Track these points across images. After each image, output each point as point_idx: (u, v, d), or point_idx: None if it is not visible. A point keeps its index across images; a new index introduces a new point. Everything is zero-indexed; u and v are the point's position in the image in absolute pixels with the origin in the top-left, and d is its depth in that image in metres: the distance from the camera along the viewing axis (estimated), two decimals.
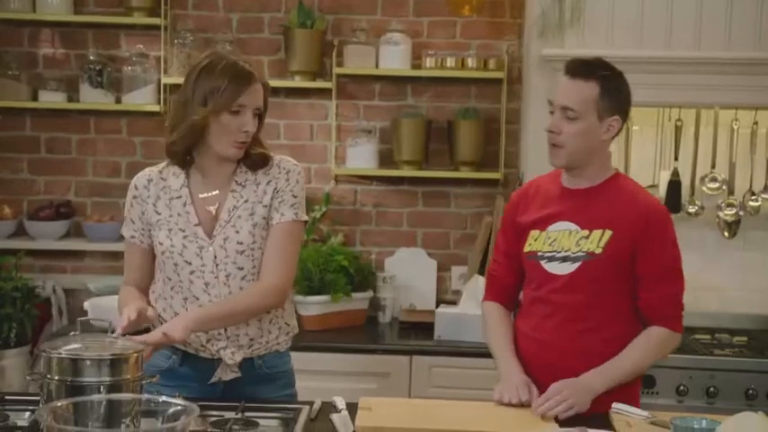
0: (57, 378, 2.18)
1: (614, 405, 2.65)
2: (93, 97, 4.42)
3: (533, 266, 2.80)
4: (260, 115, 2.70)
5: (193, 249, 2.67)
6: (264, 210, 2.70)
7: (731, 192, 4.21)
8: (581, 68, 2.70)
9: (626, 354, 2.71)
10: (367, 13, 4.50)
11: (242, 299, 2.67)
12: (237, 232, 2.67)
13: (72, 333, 2.36)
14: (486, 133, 4.41)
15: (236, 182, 2.71)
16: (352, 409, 2.56)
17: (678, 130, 4.18)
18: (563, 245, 2.74)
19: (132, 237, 2.77)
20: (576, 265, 2.71)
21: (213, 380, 2.72)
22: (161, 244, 2.70)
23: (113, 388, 2.19)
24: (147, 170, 2.80)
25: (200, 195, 2.72)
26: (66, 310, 4.48)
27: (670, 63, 3.88)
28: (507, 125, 4.42)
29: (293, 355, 4.02)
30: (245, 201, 2.70)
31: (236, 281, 2.68)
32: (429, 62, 4.38)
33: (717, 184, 4.19)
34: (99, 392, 2.16)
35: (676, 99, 3.99)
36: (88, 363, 2.19)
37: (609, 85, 2.71)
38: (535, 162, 4.06)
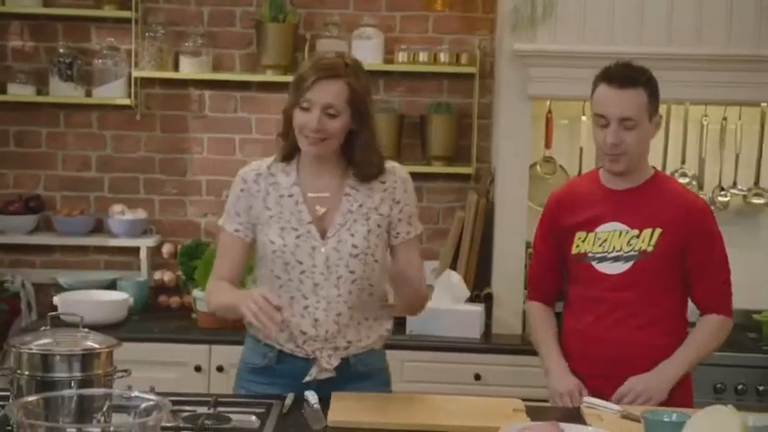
0: (27, 373, 2.17)
1: (585, 399, 2.68)
2: (63, 91, 4.39)
3: (583, 267, 2.87)
4: (360, 117, 2.61)
5: (306, 249, 2.63)
6: (380, 218, 2.68)
7: (701, 187, 4.25)
8: (628, 79, 2.78)
9: (690, 343, 2.83)
10: (339, 7, 4.50)
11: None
12: (353, 236, 2.64)
13: (42, 328, 2.33)
14: (458, 128, 4.41)
15: (350, 185, 2.67)
16: (325, 403, 2.56)
17: None
18: (614, 245, 2.82)
19: (237, 230, 2.70)
20: (629, 264, 2.81)
21: (307, 379, 2.68)
22: (272, 242, 2.65)
23: (84, 383, 2.18)
24: (254, 164, 2.74)
25: (310, 194, 2.67)
26: (36, 305, 4.44)
27: (641, 59, 3.84)
28: (479, 120, 4.43)
29: None
30: (360, 205, 2.67)
31: (346, 284, 2.65)
32: (401, 57, 4.38)
33: (686, 180, 4.22)
34: (70, 388, 2.15)
35: None
36: (59, 358, 2.17)
37: (653, 88, 2.81)
38: (507, 157, 4.08)
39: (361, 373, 2.74)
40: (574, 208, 2.90)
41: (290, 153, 2.69)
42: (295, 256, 2.64)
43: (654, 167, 2.94)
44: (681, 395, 2.77)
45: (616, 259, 2.81)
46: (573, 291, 2.93)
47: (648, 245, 2.79)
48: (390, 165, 2.74)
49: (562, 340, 2.95)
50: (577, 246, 2.87)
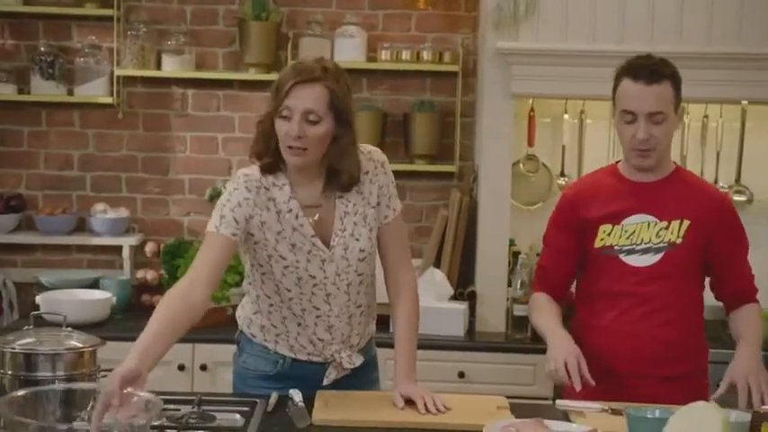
0: (10, 373, 2.17)
1: (558, 402, 2.67)
2: (44, 89, 4.37)
3: (609, 260, 2.81)
4: (342, 122, 2.53)
5: (316, 263, 2.59)
6: (374, 211, 2.65)
7: None
8: (656, 73, 2.74)
9: (748, 326, 2.84)
10: (322, 5, 4.49)
11: (414, 314, 2.74)
12: (358, 240, 2.62)
13: (25, 327, 2.33)
14: (441, 126, 4.42)
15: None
16: (309, 402, 2.56)
17: None
18: (642, 237, 2.79)
19: (234, 235, 2.52)
20: (659, 256, 2.78)
21: (327, 382, 2.68)
22: (284, 258, 2.57)
23: (68, 382, 2.17)
24: (249, 173, 2.58)
25: (305, 206, 2.59)
26: (18, 305, 4.42)
27: (623, 57, 3.87)
28: (462, 118, 4.44)
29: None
30: (354, 205, 2.62)
31: (354, 287, 2.66)
32: (384, 55, 4.38)
33: None
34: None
35: None
36: (42, 357, 2.17)
37: (677, 80, 2.78)
38: (490, 155, 4.09)
39: (365, 363, 2.77)
40: (595, 202, 2.85)
41: (271, 165, 2.58)
42: (308, 272, 2.59)
43: (674, 161, 2.91)
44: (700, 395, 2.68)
45: (645, 251, 2.78)
46: (594, 286, 2.86)
47: (678, 236, 2.77)
48: (365, 149, 2.67)
49: (578, 336, 2.83)
50: (602, 239, 2.82)
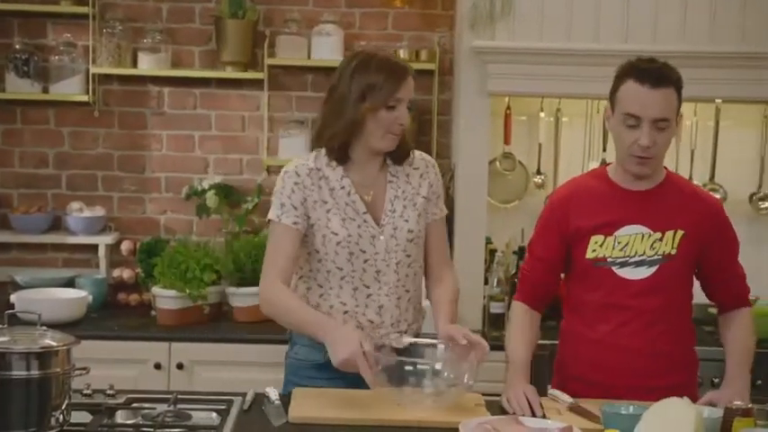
0: None
1: (551, 391, 2.68)
2: (19, 87, 4.35)
3: (602, 273, 2.72)
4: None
5: (367, 238, 2.73)
6: (424, 201, 2.82)
7: None
8: (663, 78, 2.63)
9: (741, 342, 2.79)
10: (299, 3, 4.49)
11: (456, 292, 2.83)
12: (407, 221, 2.77)
13: None
14: (418, 124, 4.42)
15: (391, 173, 2.80)
16: (286, 399, 2.56)
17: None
18: (636, 249, 2.70)
19: (295, 223, 2.72)
20: (654, 268, 2.70)
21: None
22: (335, 233, 2.72)
23: (42, 381, 2.16)
24: (300, 161, 2.79)
25: (358, 185, 2.77)
26: None
27: (598, 56, 3.94)
28: (439, 116, 4.45)
29: (227, 346, 4.02)
30: (404, 191, 2.80)
31: (403, 268, 2.78)
32: None
33: None
34: (28, 386, 2.14)
35: (604, 91, 4.00)
36: (16, 356, 2.16)
37: (680, 87, 2.67)
38: (467, 153, 4.10)
39: None
40: (585, 210, 2.76)
41: (342, 154, 2.75)
42: (359, 246, 2.73)
43: (665, 167, 2.82)
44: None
45: (639, 264, 2.69)
46: (586, 297, 2.77)
47: (672, 248, 2.69)
48: (418, 153, 2.89)
49: (569, 349, 2.82)
50: (594, 250, 2.72)
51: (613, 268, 2.72)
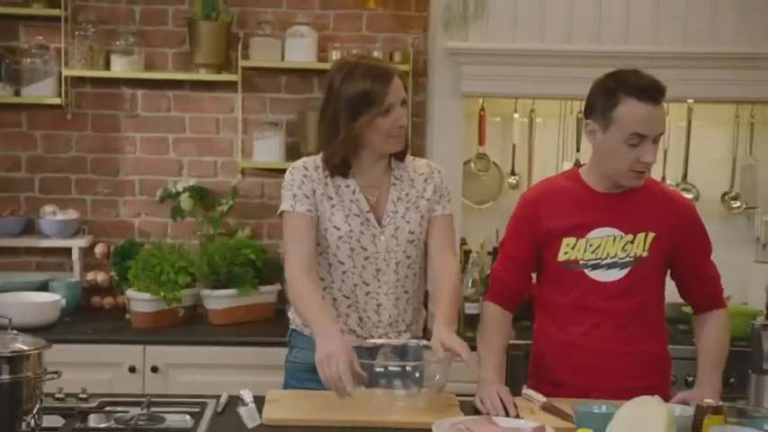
0: None
1: (525, 391, 2.68)
2: None
3: (574, 275, 2.73)
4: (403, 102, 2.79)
5: (368, 236, 2.78)
6: (427, 203, 2.84)
7: None
8: (660, 93, 2.64)
9: (714, 342, 2.80)
10: (272, 5, 4.48)
11: (455, 283, 2.77)
12: (408, 222, 2.81)
13: None
14: None
15: (395, 176, 2.84)
16: (260, 401, 2.56)
17: (580, 122, 4.26)
18: (607, 251, 2.71)
19: (309, 210, 2.76)
20: (625, 271, 2.71)
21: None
22: (338, 228, 2.77)
23: (13, 386, 2.15)
24: (307, 158, 2.85)
25: (363, 185, 2.81)
26: None
27: (571, 56, 3.96)
28: (414, 118, 4.45)
29: (201, 349, 4.00)
30: (407, 194, 2.83)
31: (403, 268, 2.81)
32: (335, 55, 4.37)
33: None
34: None
35: (578, 92, 4.01)
36: None
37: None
38: (441, 154, 4.11)
39: None
40: (557, 211, 2.76)
41: (344, 169, 2.79)
42: (360, 243, 2.77)
43: None
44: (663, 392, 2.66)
45: (611, 266, 2.71)
46: (558, 299, 2.78)
47: (643, 250, 2.70)
48: (425, 161, 2.95)
49: (542, 351, 2.83)
50: (566, 252, 2.73)
51: (585, 270, 2.73)
